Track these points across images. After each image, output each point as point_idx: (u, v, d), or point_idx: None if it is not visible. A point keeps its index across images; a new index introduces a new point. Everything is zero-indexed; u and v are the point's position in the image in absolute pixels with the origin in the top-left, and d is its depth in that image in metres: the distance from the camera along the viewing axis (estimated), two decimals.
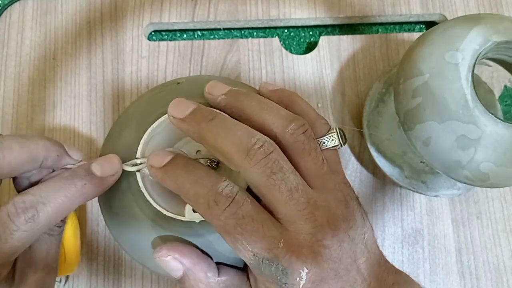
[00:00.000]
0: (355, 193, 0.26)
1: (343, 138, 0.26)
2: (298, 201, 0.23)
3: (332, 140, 0.26)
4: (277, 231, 0.22)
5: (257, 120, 0.24)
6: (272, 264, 0.22)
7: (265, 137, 0.23)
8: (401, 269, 0.26)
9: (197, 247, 0.26)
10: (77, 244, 0.32)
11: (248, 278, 0.26)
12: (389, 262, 0.26)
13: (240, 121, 0.24)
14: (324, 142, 0.26)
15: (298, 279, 0.22)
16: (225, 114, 0.25)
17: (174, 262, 0.25)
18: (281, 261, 0.22)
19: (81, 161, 0.27)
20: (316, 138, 0.26)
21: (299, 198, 0.23)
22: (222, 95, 0.26)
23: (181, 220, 0.26)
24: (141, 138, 0.27)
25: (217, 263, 0.26)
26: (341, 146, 0.26)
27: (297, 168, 0.24)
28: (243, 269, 0.27)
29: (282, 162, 0.23)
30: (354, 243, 0.24)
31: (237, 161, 0.23)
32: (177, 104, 0.25)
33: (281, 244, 0.22)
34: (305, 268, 0.22)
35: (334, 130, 0.26)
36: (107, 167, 0.26)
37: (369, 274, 0.24)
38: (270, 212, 0.23)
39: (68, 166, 0.26)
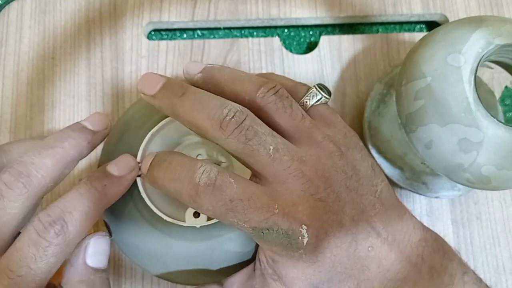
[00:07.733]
0: (360, 143, 0.26)
1: (325, 90, 0.26)
2: (281, 160, 0.23)
3: (313, 96, 0.26)
4: (269, 199, 0.22)
5: (231, 91, 0.25)
6: (273, 231, 0.22)
7: (237, 105, 0.23)
8: None
9: (197, 252, 0.26)
10: None
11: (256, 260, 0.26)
12: (429, 230, 0.26)
13: (217, 94, 0.24)
14: (306, 102, 0.26)
15: (300, 237, 0.22)
16: (195, 88, 0.24)
17: None
18: (280, 225, 0.22)
19: (106, 128, 0.26)
20: (298, 101, 0.26)
21: (281, 157, 0.23)
22: (198, 73, 0.26)
23: (182, 226, 0.25)
24: (141, 142, 0.27)
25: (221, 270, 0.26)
26: (327, 98, 0.26)
27: (277, 129, 0.24)
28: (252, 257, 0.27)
29: (257, 127, 0.23)
30: (358, 193, 0.24)
31: (213, 134, 0.23)
32: (146, 79, 0.25)
33: (276, 210, 0.22)
34: (303, 225, 0.22)
35: (312, 87, 0.26)
36: (123, 165, 0.25)
37: (385, 229, 0.24)
38: (260, 180, 0.23)
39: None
